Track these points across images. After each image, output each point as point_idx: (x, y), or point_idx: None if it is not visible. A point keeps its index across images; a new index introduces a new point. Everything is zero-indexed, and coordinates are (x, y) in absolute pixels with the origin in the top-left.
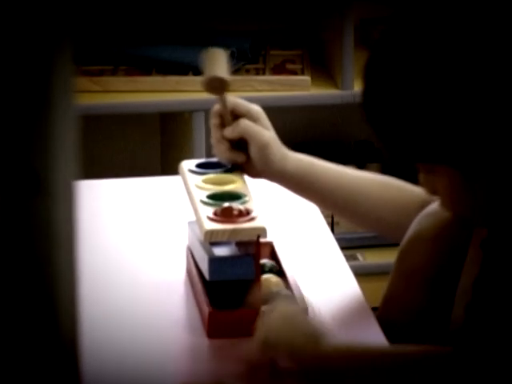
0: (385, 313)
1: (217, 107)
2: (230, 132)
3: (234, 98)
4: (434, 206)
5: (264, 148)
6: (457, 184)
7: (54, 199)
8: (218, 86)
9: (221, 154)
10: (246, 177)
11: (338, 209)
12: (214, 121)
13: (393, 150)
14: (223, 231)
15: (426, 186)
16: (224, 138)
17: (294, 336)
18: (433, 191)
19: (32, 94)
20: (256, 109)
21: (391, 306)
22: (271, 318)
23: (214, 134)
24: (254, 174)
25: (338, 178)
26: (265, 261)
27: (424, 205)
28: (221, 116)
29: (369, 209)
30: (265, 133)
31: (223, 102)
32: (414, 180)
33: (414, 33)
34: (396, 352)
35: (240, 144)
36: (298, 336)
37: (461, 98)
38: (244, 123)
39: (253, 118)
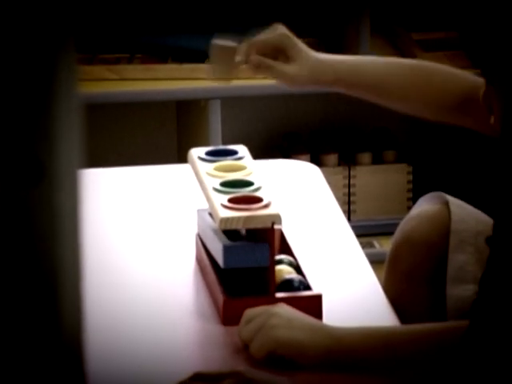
0: None
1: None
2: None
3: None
4: (417, 210)
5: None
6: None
7: (57, 187)
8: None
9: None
10: (256, 163)
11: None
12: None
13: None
14: (238, 219)
15: (484, 100)
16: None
17: (302, 335)
18: (489, 108)
19: (35, 81)
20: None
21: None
22: (273, 324)
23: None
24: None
25: (384, 75)
26: (282, 256)
27: (469, 92)
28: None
29: (415, 98)
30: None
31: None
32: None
33: None
34: (413, 331)
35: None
36: (307, 334)
37: None
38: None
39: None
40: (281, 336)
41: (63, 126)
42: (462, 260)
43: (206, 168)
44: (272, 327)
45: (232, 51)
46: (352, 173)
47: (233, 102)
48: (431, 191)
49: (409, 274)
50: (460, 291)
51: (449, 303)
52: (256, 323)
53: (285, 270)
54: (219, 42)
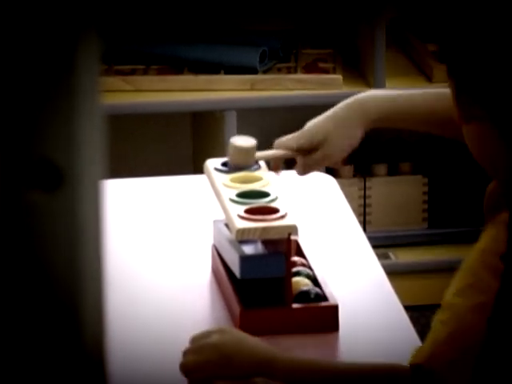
0: None
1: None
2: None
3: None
4: None
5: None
6: (488, 138)
7: (78, 195)
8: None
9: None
10: (272, 174)
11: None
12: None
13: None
14: (254, 229)
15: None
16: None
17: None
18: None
19: (56, 88)
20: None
21: None
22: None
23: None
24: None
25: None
26: (300, 268)
27: None
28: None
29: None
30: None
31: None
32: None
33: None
34: (348, 368)
35: None
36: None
37: None
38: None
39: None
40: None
41: (84, 135)
42: None
43: (223, 179)
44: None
45: (250, 151)
46: (367, 184)
47: (248, 113)
48: (447, 203)
49: None
50: None
51: None
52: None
53: (301, 282)
54: (237, 140)
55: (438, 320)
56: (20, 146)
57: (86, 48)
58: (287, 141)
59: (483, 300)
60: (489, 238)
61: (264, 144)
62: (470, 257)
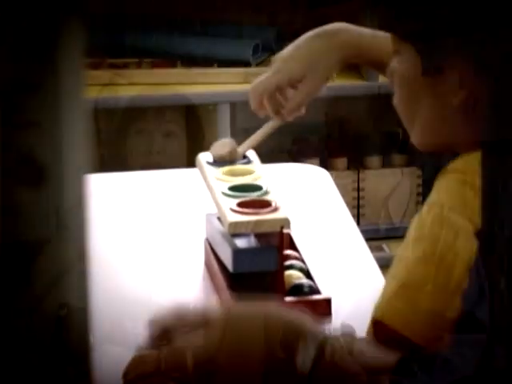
0: None
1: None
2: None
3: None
4: None
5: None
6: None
7: (61, 191)
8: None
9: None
10: (265, 167)
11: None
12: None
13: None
14: (247, 223)
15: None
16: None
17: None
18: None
19: (40, 84)
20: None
21: None
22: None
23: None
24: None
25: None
26: (293, 262)
27: None
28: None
29: None
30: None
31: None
32: None
33: None
34: None
35: None
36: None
37: None
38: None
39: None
40: None
41: (69, 129)
42: None
43: (215, 172)
44: None
45: (228, 155)
46: (361, 176)
47: (241, 106)
48: None
49: None
50: None
51: None
52: None
53: (294, 275)
54: (215, 149)
55: (389, 275)
56: (3, 142)
57: (69, 44)
58: (264, 91)
59: (431, 250)
60: (434, 191)
61: None
62: (420, 213)
